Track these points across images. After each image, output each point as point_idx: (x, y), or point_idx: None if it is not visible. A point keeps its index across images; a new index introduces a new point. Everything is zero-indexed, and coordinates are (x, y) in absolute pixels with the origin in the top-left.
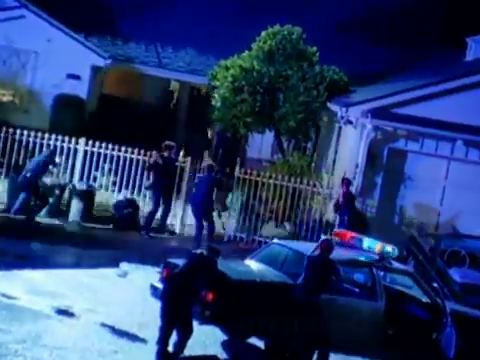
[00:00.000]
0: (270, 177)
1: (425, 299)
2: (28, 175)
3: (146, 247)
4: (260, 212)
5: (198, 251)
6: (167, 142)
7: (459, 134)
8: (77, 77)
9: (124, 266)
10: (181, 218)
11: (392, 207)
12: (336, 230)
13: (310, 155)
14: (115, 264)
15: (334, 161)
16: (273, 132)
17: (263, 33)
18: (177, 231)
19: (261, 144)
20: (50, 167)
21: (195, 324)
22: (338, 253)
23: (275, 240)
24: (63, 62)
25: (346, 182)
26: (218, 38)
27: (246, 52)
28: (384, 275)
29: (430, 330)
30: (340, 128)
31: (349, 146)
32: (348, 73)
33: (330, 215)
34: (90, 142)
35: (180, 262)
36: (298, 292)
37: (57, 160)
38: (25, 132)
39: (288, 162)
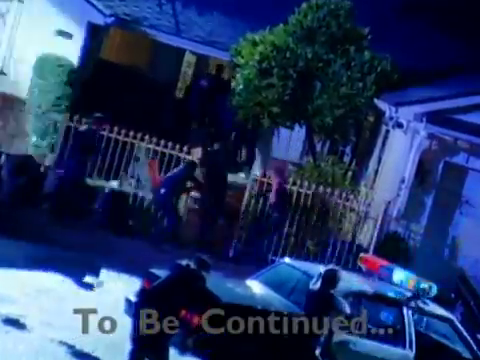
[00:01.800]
0: (294, 183)
1: (467, 355)
2: None
3: (138, 253)
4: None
5: (183, 262)
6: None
7: None
8: (68, 35)
9: (104, 275)
10: None
11: (442, 236)
12: (363, 255)
13: (348, 162)
14: (93, 270)
15: (376, 172)
16: (304, 128)
17: (304, 4)
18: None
19: (289, 142)
20: None
21: (173, 353)
22: (362, 284)
23: (286, 260)
24: (52, 14)
25: (279, 172)
26: (249, 4)
27: (280, 26)
28: (419, 318)
29: None
30: (387, 132)
31: (396, 155)
32: (405, 65)
33: (366, 236)
34: (75, 117)
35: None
36: None
37: None
38: None
39: (319, 167)
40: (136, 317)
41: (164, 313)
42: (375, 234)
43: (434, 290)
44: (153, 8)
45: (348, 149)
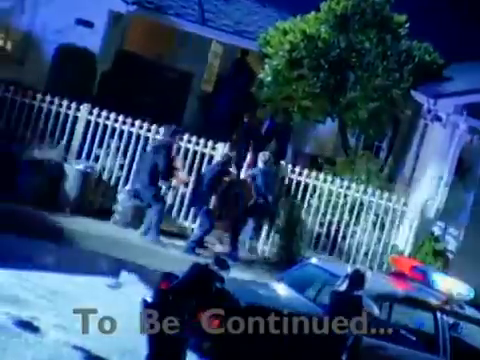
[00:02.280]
0: (325, 181)
1: None
2: None
3: (161, 257)
4: (307, 225)
5: (202, 263)
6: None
7: None
8: (89, 24)
9: (123, 276)
10: None
11: None
12: (393, 256)
13: (384, 158)
14: (111, 272)
15: (414, 169)
16: (337, 123)
17: None
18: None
19: (322, 138)
20: None
21: (193, 358)
22: (393, 286)
23: (312, 260)
24: (73, 3)
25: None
26: None
27: (312, 13)
28: (455, 324)
29: None
30: (425, 126)
31: (434, 151)
32: (447, 55)
33: (402, 237)
34: (95, 110)
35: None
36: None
37: None
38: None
39: (352, 163)
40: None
41: (182, 314)
42: (411, 235)
43: (471, 294)
44: None
45: (384, 144)
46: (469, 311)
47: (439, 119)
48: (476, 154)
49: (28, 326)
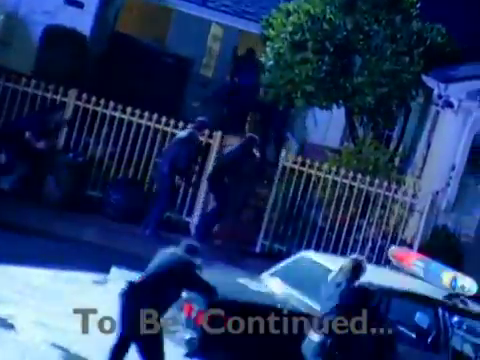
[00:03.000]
0: (329, 171)
1: None
2: None
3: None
4: (309, 218)
5: (170, 250)
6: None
7: None
8: (79, 4)
9: (113, 272)
10: None
11: None
12: (394, 248)
13: (394, 148)
14: (99, 267)
15: (425, 159)
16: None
17: None
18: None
19: (328, 126)
20: None
21: (179, 353)
22: (392, 281)
23: (308, 253)
24: None
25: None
26: None
27: None
28: (460, 321)
29: None
30: (437, 113)
31: (446, 139)
32: (461, 38)
33: (411, 232)
34: (84, 95)
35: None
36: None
37: None
38: None
39: (359, 153)
40: (123, 313)
41: (156, 305)
42: (421, 228)
43: (474, 288)
44: None
45: (395, 134)
46: (472, 306)
47: (451, 105)
48: None
49: (4, 323)
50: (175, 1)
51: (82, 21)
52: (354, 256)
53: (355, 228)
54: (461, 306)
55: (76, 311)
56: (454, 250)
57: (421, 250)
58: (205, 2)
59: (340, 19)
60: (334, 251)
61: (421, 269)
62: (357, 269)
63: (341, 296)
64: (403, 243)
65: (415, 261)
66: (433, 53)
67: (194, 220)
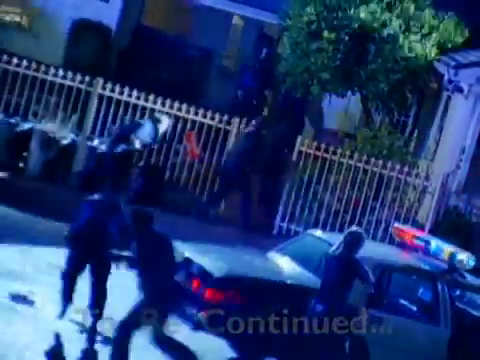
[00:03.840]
0: (343, 155)
1: None
2: None
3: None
4: (324, 201)
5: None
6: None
7: None
8: None
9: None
10: None
11: None
12: (397, 225)
13: (409, 132)
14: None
15: (437, 143)
16: (359, 97)
17: None
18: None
19: (345, 112)
20: None
21: (186, 329)
22: (392, 256)
23: (313, 231)
24: None
25: None
26: None
27: None
28: (461, 294)
29: None
30: (448, 98)
31: (457, 123)
32: (472, 25)
33: (423, 213)
34: (108, 85)
35: None
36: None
37: None
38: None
39: (374, 138)
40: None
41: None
42: (432, 209)
43: (472, 262)
44: None
45: (410, 119)
46: (471, 279)
47: (461, 90)
48: None
49: (25, 300)
50: None
51: (108, 14)
52: (352, 229)
53: (368, 210)
54: (460, 280)
55: None
56: (464, 229)
57: (432, 230)
58: None
59: (354, 8)
60: None
61: (422, 245)
62: (354, 240)
63: (338, 267)
64: (415, 224)
65: (416, 237)
66: (446, 41)
67: None
